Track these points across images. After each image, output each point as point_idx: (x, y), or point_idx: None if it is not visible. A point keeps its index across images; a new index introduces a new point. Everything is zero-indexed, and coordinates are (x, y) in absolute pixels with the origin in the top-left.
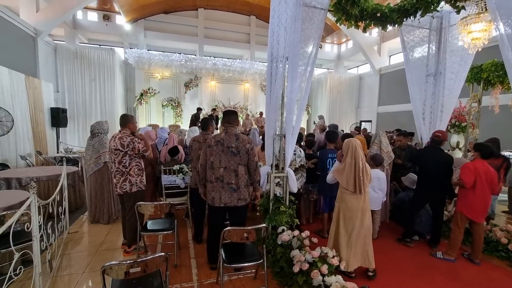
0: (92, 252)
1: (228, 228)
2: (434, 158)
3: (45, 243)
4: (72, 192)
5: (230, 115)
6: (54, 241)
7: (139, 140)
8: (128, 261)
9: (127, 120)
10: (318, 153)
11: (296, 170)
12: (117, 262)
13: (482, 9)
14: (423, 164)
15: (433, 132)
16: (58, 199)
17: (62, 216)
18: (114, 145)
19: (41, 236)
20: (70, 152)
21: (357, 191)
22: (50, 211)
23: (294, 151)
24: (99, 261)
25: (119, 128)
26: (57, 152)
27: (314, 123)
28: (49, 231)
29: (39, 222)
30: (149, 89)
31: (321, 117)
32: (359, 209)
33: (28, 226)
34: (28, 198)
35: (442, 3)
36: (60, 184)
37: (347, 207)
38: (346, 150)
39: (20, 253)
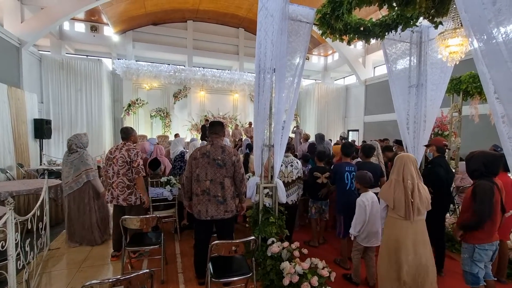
0: (74, 269)
1: (216, 241)
2: (447, 170)
3: (22, 261)
4: (53, 206)
5: (216, 126)
6: (33, 259)
7: (142, 156)
8: (110, 279)
9: (131, 133)
10: (332, 166)
11: (293, 182)
12: (98, 281)
13: (458, 25)
14: (441, 181)
15: (435, 140)
16: (39, 214)
17: (43, 232)
18: (122, 157)
19: (18, 254)
20: (54, 164)
21: (407, 215)
22: (29, 227)
23: (291, 162)
24: (81, 279)
25: (106, 140)
26: (40, 165)
27: (294, 132)
28: (27, 248)
29: (16, 240)
30: (137, 100)
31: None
32: (409, 240)
33: (4, 244)
34: (4, 214)
35: (421, 18)
36: (41, 199)
37: (392, 236)
38: (394, 166)
39: None
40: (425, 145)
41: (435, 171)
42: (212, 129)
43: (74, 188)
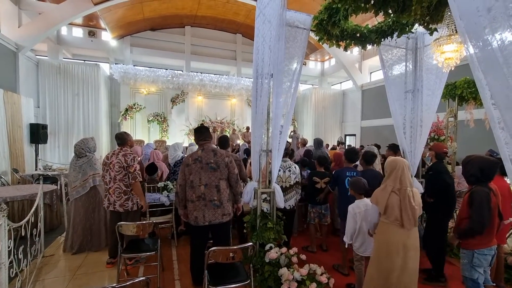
0: (68, 277)
1: (214, 248)
2: (449, 175)
3: (15, 269)
4: (48, 212)
5: (204, 132)
6: (26, 266)
7: (138, 161)
8: None
9: (126, 138)
10: (333, 172)
11: (291, 187)
12: None
13: (453, 31)
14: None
15: (436, 146)
16: (33, 220)
17: (37, 238)
18: (118, 162)
19: (11, 262)
20: (50, 169)
21: (404, 224)
22: (23, 234)
23: (289, 167)
24: (75, 287)
25: (103, 144)
26: (36, 170)
27: (291, 136)
28: (21, 255)
29: (8, 247)
30: (134, 105)
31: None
32: (400, 245)
33: None
34: None
35: (416, 25)
36: (35, 204)
37: (384, 240)
38: (390, 171)
39: None
40: (429, 148)
41: (445, 180)
42: (201, 136)
43: (81, 193)
